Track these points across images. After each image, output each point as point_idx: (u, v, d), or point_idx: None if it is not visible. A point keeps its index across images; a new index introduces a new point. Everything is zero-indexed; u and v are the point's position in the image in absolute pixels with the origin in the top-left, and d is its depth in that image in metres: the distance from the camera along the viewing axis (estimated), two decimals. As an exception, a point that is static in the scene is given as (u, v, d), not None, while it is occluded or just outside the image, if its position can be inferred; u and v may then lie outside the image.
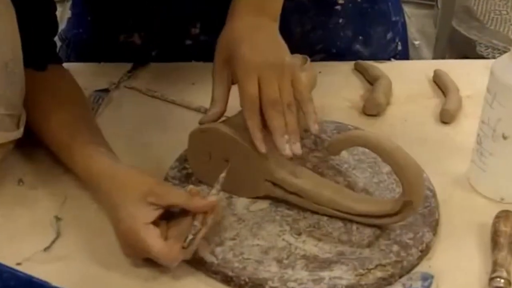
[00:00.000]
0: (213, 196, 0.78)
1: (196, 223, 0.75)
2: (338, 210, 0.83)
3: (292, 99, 0.82)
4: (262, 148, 0.80)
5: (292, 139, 0.81)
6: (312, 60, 0.98)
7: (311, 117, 0.83)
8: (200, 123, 0.87)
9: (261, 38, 0.85)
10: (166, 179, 0.90)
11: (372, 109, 1.06)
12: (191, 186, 0.81)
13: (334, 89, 1.10)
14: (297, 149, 0.80)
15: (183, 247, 0.75)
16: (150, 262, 0.78)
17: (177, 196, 0.78)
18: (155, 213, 0.76)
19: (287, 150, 0.80)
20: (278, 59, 0.83)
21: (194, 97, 1.07)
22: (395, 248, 0.81)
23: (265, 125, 0.82)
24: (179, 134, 0.92)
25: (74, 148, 0.85)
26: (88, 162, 0.84)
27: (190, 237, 0.75)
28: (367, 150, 0.85)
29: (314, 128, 0.82)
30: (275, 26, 0.89)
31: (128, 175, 0.80)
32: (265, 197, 0.87)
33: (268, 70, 0.81)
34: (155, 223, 0.77)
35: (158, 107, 1.07)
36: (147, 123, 1.04)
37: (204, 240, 0.77)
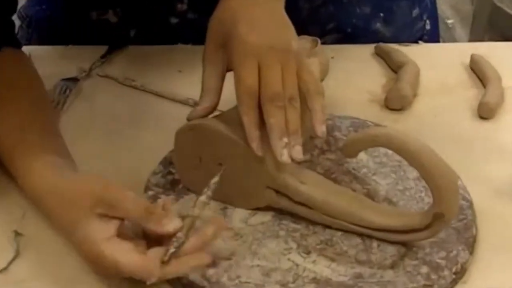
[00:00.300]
0: (176, 221, 0.77)
1: (180, 234, 0.76)
2: (355, 224, 0.83)
3: (296, 92, 0.82)
4: (259, 150, 0.81)
5: (292, 141, 0.80)
6: (323, 43, 0.97)
7: (317, 116, 0.82)
8: (188, 119, 0.87)
9: (263, 17, 0.85)
10: (147, 187, 0.90)
11: (396, 102, 1.06)
12: (165, 199, 0.82)
13: (350, 78, 1.10)
14: (297, 153, 0.80)
15: (163, 262, 0.74)
16: (127, 281, 0.78)
17: (132, 206, 0.77)
18: (111, 226, 0.76)
19: (284, 155, 0.79)
20: (283, 42, 0.83)
21: (181, 87, 1.07)
22: (424, 269, 0.80)
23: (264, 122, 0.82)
24: (163, 133, 0.93)
25: (16, 156, 0.86)
26: (30, 177, 0.84)
27: (172, 250, 0.75)
28: (390, 151, 0.86)
29: (320, 130, 0.82)
30: (281, 2, 0.88)
31: (74, 187, 0.79)
32: (267, 208, 0.87)
33: (270, 55, 0.82)
34: (123, 236, 0.77)
35: (137, 100, 1.07)
36: (124, 119, 1.03)
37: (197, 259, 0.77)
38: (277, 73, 0.82)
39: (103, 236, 0.75)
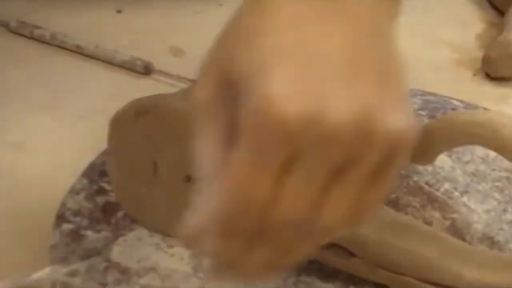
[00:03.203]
0: None
1: None
2: (434, 283, 0.67)
3: (335, 223, 0.52)
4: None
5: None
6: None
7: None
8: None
9: (336, 53, 0.47)
10: (61, 216, 0.72)
11: (501, 65, 0.93)
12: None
13: (420, 22, 0.99)
14: None
15: None
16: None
17: None
18: None
19: None
20: (372, 118, 0.46)
21: (122, 40, 0.94)
22: None
23: None
24: (89, 120, 0.82)
25: None
26: None
27: None
28: (491, 153, 0.77)
29: None
30: (390, 20, 0.53)
31: None
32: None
33: (319, 148, 0.46)
34: None
35: (44, 61, 0.93)
36: (21, 95, 0.88)
37: None
38: (311, 186, 0.49)
39: None
